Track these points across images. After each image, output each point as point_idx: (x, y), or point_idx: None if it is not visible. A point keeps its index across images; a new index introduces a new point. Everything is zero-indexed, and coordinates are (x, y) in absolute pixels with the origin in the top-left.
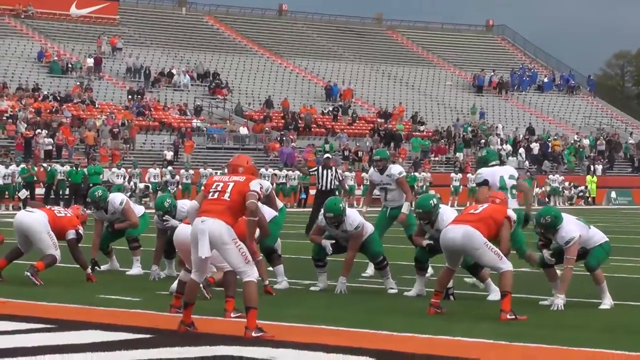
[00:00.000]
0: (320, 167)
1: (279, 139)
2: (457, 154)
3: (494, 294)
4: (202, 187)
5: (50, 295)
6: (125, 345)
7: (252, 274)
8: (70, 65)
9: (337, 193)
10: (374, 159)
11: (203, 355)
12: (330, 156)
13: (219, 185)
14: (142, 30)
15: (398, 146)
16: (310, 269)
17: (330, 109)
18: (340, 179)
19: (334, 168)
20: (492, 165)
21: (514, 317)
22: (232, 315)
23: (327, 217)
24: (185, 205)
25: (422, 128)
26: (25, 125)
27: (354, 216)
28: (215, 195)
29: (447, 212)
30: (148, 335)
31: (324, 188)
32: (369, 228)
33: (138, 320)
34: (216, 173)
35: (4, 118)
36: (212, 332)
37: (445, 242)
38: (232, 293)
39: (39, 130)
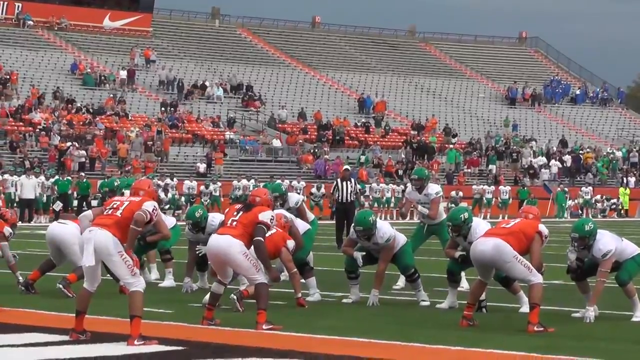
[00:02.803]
0: (339, 180)
1: (312, 151)
2: (490, 166)
3: (525, 307)
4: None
5: None
6: (157, 357)
7: (138, 285)
8: (103, 78)
9: (355, 206)
10: (411, 178)
11: None
12: (349, 168)
13: (115, 203)
14: (175, 42)
15: (431, 158)
16: (342, 281)
17: (363, 121)
18: (357, 192)
19: (353, 180)
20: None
21: (542, 329)
22: (264, 327)
23: (357, 231)
24: (215, 218)
25: (454, 140)
26: (59, 138)
27: (384, 229)
28: (110, 212)
29: (480, 225)
30: (180, 348)
31: (343, 200)
32: (401, 240)
33: (170, 332)
34: (251, 185)
35: (38, 130)
36: (244, 344)
37: (475, 255)
38: (263, 305)
39: (72, 143)
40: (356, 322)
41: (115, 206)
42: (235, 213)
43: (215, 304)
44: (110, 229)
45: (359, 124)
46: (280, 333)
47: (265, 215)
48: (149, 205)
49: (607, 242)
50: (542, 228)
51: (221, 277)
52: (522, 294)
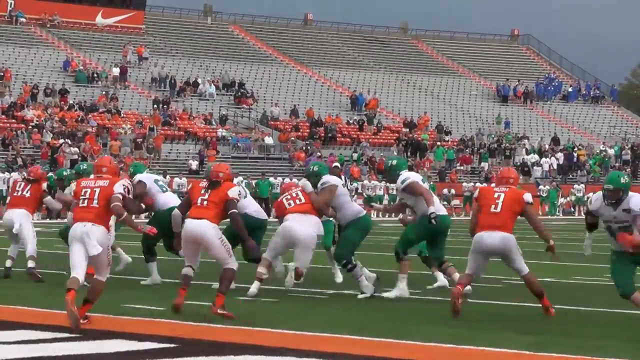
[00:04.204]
0: None
1: (304, 148)
2: (482, 164)
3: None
4: (72, 194)
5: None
6: (149, 354)
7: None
8: (96, 75)
9: None
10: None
11: None
12: (339, 165)
13: (86, 191)
14: (167, 39)
15: (423, 156)
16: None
17: (356, 118)
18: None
19: (343, 177)
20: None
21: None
22: (218, 310)
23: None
24: None
25: (447, 138)
26: (51, 135)
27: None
28: (85, 203)
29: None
30: (173, 345)
31: None
32: None
33: (162, 329)
34: (241, 182)
35: (30, 127)
36: (237, 341)
37: (481, 247)
38: (224, 289)
39: (64, 140)
40: (348, 319)
41: (87, 195)
42: (203, 192)
43: (189, 284)
44: (96, 222)
45: (351, 121)
46: (272, 330)
47: (233, 192)
48: (119, 187)
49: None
50: (527, 197)
51: (192, 262)
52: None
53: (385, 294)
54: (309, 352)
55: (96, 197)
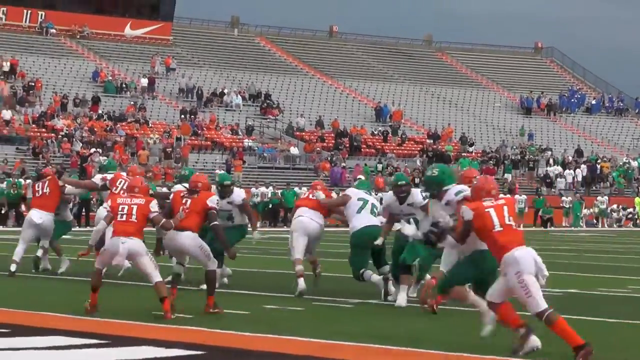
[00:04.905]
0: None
1: (329, 159)
2: (506, 175)
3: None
4: (110, 209)
5: (105, 312)
6: None
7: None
8: (124, 85)
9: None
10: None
11: None
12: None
13: (124, 207)
14: (195, 50)
15: None
16: (356, 288)
17: (380, 129)
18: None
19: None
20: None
21: None
22: (211, 310)
23: None
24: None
25: (470, 149)
26: (81, 144)
27: None
28: (124, 218)
29: None
30: (199, 352)
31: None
32: None
33: (189, 336)
34: (269, 192)
35: (60, 136)
36: (262, 349)
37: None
38: (212, 291)
39: (93, 149)
40: (372, 328)
41: (126, 212)
42: (184, 201)
43: (178, 281)
44: (135, 236)
45: (375, 132)
46: (298, 338)
47: (212, 200)
48: (154, 205)
49: None
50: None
51: (181, 261)
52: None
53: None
54: None
55: (134, 213)
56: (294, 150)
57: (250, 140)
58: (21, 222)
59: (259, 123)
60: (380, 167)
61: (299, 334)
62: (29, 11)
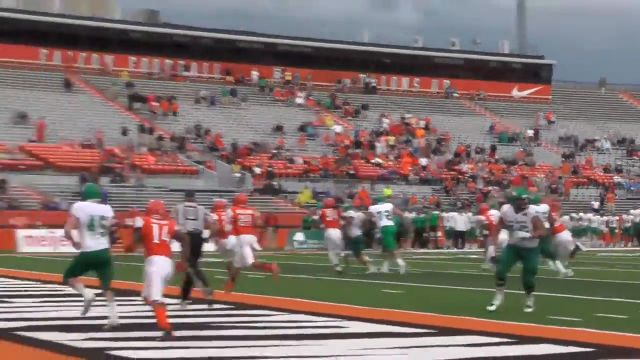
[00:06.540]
0: None
1: None
2: None
3: None
4: (143, 232)
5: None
6: (572, 357)
7: None
8: (514, 135)
9: None
10: None
11: None
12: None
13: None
14: (570, 106)
15: None
16: None
17: None
18: None
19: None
20: None
21: None
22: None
23: None
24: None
25: None
26: (483, 183)
27: None
28: (157, 240)
29: None
30: (590, 349)
31: None
32: None
33: (581, 336)
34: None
35: (465, 177)
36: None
37: None
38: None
39: (492, 187)
40: None
41: (156, 232)
42: (158, 230)
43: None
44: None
45: None
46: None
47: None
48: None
49: None
50: None
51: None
52: None
53: None
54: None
55: (164, 232)
56: None
57: (619, 177)
58: None
59: (625, 163)
60: None
61: None
62: (436, 81)
